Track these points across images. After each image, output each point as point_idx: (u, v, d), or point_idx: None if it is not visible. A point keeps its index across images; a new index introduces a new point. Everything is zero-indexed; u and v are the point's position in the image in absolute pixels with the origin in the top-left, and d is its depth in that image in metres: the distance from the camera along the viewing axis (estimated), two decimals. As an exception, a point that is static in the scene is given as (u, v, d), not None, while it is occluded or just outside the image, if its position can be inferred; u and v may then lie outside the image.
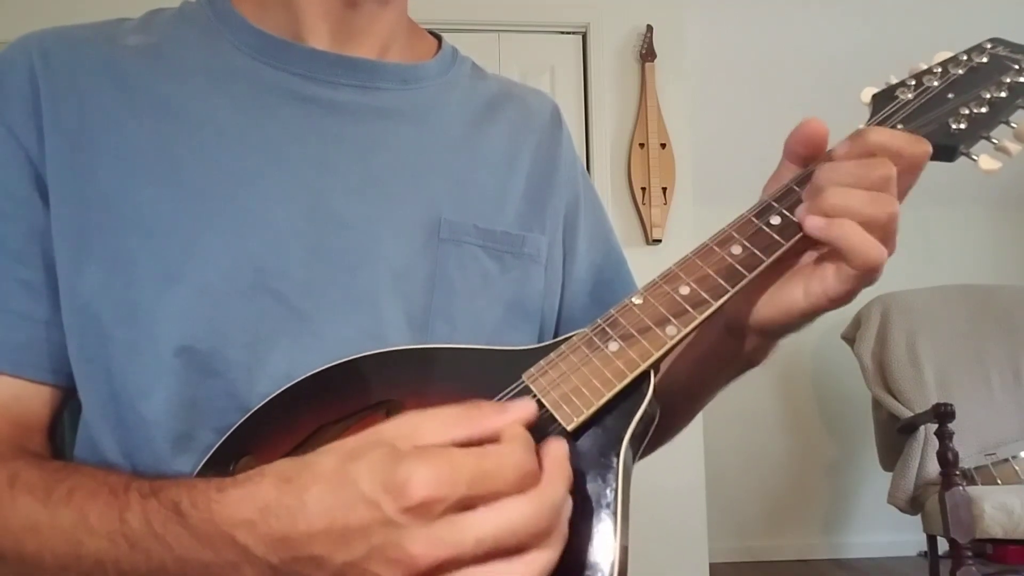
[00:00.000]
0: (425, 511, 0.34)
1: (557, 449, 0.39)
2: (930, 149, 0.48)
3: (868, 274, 0.45)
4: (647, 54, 2.51)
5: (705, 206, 2.56)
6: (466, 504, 0.34)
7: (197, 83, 0.56)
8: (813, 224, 0.47)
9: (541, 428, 0.43)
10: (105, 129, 0.53)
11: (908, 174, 0.48)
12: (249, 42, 0.58)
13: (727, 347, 0.55)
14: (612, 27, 2.54)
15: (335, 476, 0.36)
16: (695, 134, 2.57)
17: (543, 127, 0.69)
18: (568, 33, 2.57)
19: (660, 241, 2.43)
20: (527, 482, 0.36)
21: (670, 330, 0.46)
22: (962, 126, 0.51)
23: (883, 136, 0.48)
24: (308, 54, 0.58)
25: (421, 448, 0.36)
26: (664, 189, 2.45)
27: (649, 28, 2.52)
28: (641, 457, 0.49)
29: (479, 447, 0.36)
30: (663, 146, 2.48)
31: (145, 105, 0.54)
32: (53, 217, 0.52)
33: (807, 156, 0.51)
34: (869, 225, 0.45)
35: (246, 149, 0.55)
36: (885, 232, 0.46)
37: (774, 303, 0.49)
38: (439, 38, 0.69)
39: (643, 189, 2.45)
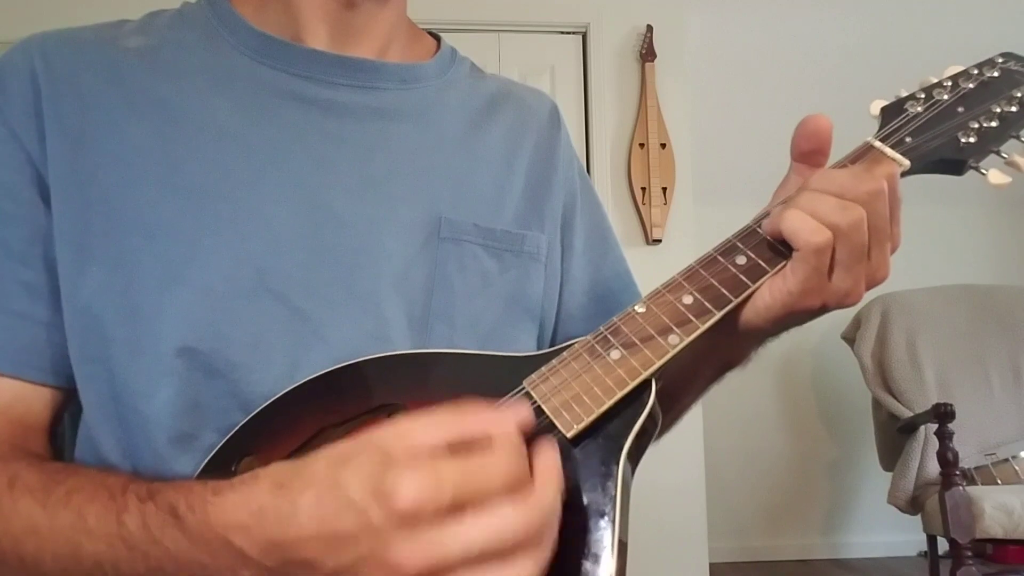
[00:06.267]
0: (411, 519, 0.34)
1: (548, 453, 0.39)
2: (881, 187, 0.45)
3: (813, 256, 0.45)
4: (647, 54, 2.51)
5: (705, 206, 2.57)
6: (455, 510, 0.34)
7: (197, 84, 0.56)
8: (766, 222, 0.47)
9: (541, 435, 0.43)
10: (106, 131, 0.53)
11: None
12: (249, 43, 0.58)
13: (709, 346, 0.54)
14: (612, 27, 2.54)
15: (326, 481, 0.36)
16: (695, 134, 2.57)
17: (541, 126, 0.69)
18: (568, 33, 2.57)
19: (660, 241, 2.43)
20: (515, 488, 0.36)
21: (672, 339, 0.46)
22: (972, 140, 0.51)
23: (837, 180, 0.46)
24: (307, 55, 0.58)
25: (410, 455, 0.36)
26: (664, 189, 2.45)
27: (649, 28, 2.52)
28: None
29: (466, 453, 0.36)
30: (663, 146, 2.48)
31: (146, 106, 0.54)
32: (55, 219, 0.52)
33: (813, 151, 0.50)
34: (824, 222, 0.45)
35: (246, 150, 0.55)
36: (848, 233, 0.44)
37: (751, 303, 0.49)
38: (438, 38, 0.69)
39: (643, 189, 2.45)
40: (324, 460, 0.37)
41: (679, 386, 0.60)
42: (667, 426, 0.64)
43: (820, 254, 0.45)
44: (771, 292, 0.47)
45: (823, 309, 0.47)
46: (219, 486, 0.39)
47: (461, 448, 0.37)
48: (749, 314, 0.49)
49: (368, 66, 0.60)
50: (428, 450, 0.36)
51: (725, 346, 0.54)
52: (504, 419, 0.39)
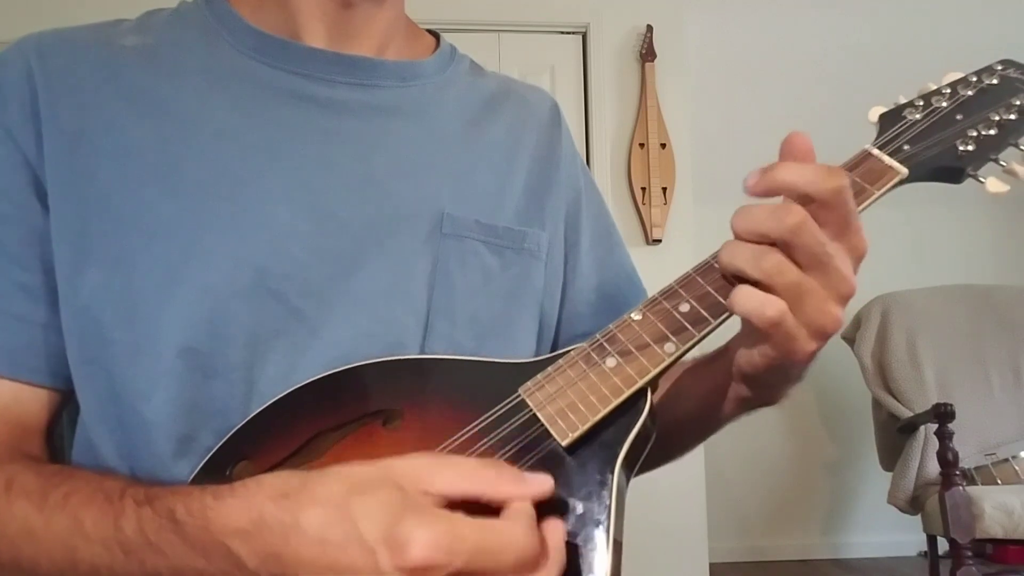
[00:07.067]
0: (419, 574, 0.33)
1: (557, 533, 0.38)
2: (844, 183, 0.42)
3: (775, 328, 0.42)
4: (647, 54, 2.51)
5: (705, 206, 2.56)
6: (462, 574, 0.34)
7: (195, 83, 0.56)
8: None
9: (536, 443, 0.44)
10: (104, 130, 0.53)
11: (826, 211, 0.42)
12: (247, 41, 0.58)
13: (734, 389, 0.54)
14: (612, 27, 2.54)
15: (337, 507, 0.35)
16: (695, 134, 2.57)
17: (542, 124, 0.69)
18: (568, 33, 2.57)
19: (660, 241, 2.43)
20: (525, 565, 0.36)
21: (668, 347, 0.46)
22: (970, 148, 0.51)
23: (789, 174, 0.43)
24: (306, 53, 0.58)
25: (428, 502, 0.36)
26: (664, 189, 2.45)
27: (649, 28, 2.52)
28: (641, 472, 0.49)
29: (485, 520, 0.36)
30: (663, 146, 2.48)
31: (144, 106, 0.54)
32: (52, 219, 0.52)
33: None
34: (761, 281, 0.42)
35: (245, 149, 0.54)
36: (780, 283, 0.42)
37: (744, 355, 0.48)
38: (437, 36, 0.69)
39: (643, 189, 2.45)
40: (337, 481, 0.37)
41: (708, 418, 0.59)
42: (689, 448, 0.64)
43: (780, 325, 0.42)
44: (760, 357, 0.46)
45: (815, 352, 0.45)
46: (219, 491, 0.38)
47: (477, 508, 0.37)
48: (748, 369, 0.48)
49: (367, 64, 0.60)
50: (446, 501, 0.36)
51: (751, 390, 0.52)
52: (525, 489, 0.38)
